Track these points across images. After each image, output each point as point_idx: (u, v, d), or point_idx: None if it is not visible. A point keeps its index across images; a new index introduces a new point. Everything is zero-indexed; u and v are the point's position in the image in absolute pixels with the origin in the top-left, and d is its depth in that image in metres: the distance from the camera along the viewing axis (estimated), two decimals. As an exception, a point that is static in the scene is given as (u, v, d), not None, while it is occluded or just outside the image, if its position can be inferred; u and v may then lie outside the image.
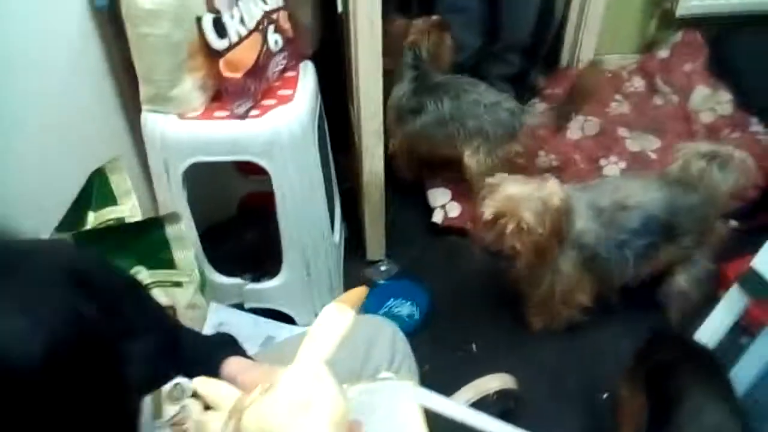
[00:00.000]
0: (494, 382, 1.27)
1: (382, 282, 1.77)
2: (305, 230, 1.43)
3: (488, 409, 1.00)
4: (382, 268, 1.82)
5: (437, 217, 1.92)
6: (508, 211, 1.31)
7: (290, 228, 1.40)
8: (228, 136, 1.24)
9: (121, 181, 1.22)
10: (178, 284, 1.25)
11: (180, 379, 0.69)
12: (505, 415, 1.07)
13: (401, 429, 0.72)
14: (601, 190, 1.46)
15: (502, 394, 1.28)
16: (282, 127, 1.25)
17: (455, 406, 0.70)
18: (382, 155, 1.62)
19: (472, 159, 1.82)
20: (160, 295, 1.22)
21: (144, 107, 1.26)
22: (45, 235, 1.03)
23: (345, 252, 1.78)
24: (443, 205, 1.95)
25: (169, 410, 0.70)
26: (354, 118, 1.66)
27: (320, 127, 1.47)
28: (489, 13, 2.13)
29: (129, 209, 1.23)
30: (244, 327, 1.45)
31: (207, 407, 0.61)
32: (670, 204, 1.42)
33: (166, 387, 0.70)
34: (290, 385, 0.59)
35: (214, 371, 0.67)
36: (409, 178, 2.05)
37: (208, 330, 1.37)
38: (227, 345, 0.78)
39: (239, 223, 1.83)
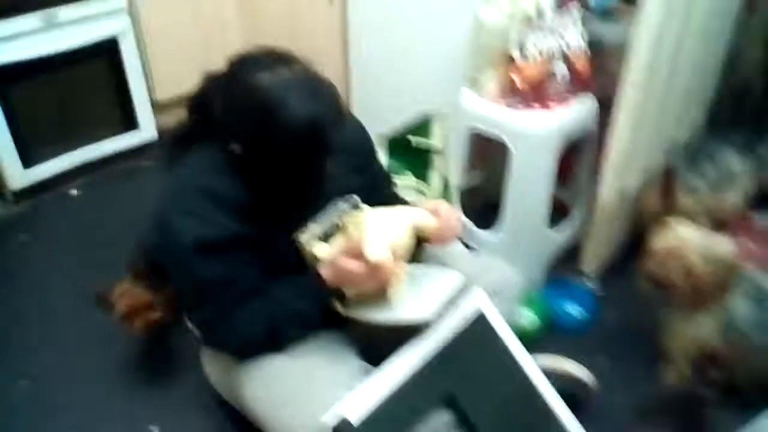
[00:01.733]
0: (572, 367, 1.62)
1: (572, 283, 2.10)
2: (524, 210, 1.95)
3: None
4: (585, 280, 2.10)
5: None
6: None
7: (513, 203, 1.94)
8: (494, 118, 1.88)
9: (439, 129, 2.00)
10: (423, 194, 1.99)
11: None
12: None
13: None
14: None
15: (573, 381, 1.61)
16: (528, 125, 1.85)
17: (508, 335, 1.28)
18: (621, 191, 1.96)
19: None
20: (409, 194, 1.95)
21: (465, 85, 1.97)
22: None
23: (572, 251, 2.16)
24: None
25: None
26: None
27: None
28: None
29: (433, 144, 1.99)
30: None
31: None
32: None
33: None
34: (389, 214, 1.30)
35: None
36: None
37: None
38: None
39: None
